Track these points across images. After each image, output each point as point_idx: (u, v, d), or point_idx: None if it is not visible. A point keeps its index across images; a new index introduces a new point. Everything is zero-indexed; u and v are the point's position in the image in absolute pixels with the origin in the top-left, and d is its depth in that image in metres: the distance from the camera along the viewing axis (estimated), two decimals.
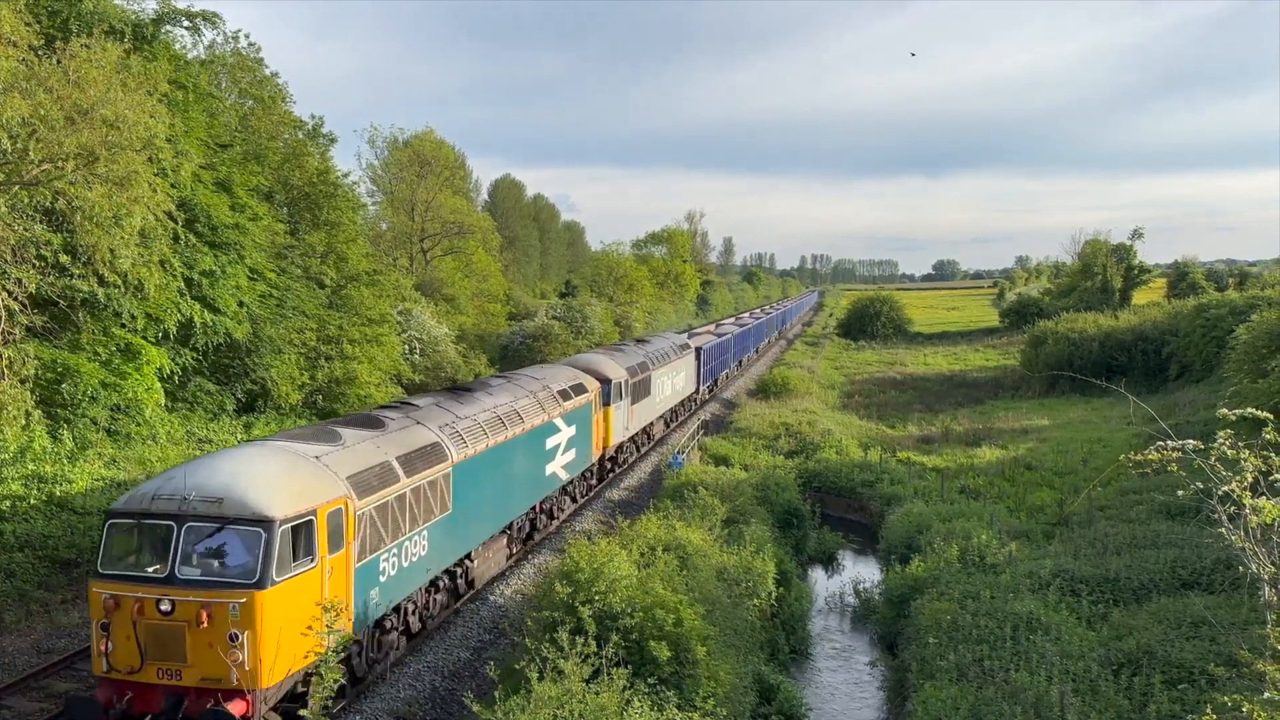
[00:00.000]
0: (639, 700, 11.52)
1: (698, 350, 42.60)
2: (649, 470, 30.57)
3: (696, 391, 43.06)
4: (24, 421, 20.45)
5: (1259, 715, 8.75)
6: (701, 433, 36.18)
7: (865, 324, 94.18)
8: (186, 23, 29.23)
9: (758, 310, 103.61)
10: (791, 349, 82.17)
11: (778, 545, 22.57)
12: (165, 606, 10.72)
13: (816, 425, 38.75)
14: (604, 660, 11.74)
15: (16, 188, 19.24)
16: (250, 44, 36.57)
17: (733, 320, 75.88)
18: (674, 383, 36.56)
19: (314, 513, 11.59)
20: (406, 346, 41.14)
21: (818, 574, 25.52)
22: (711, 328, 63.18)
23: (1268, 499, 10.22)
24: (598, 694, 11.14)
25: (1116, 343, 52.65)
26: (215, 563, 10.92)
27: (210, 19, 29.59)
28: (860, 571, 25.01)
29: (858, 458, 33.59)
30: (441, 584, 16.54)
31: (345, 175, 39.05)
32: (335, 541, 12.04)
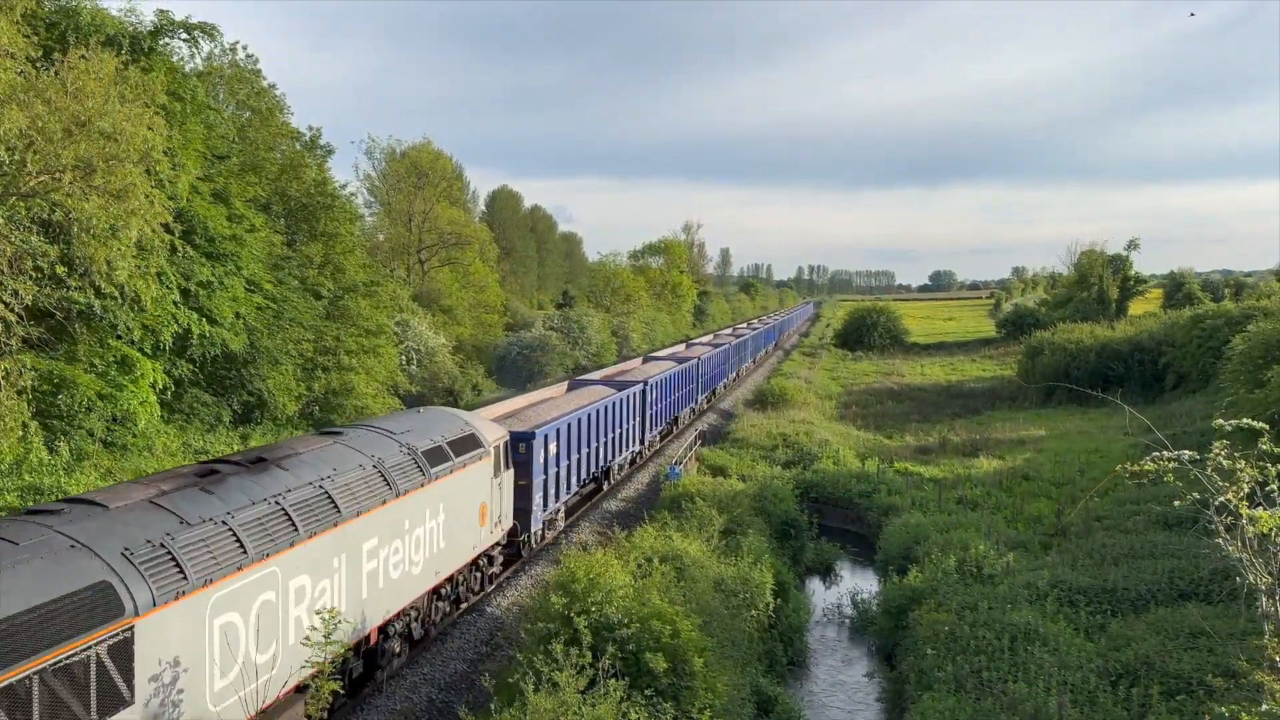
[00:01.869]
0: (635, 712, 11.49)
1: (511, 447, 19.37)
2: (646, 481, 30.53)
3: (522, 533, 20.65)
4: (20, 433, 20.41)
5: None
6: (699, 443, 36.15)
7: (862, 334, 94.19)
8: (184, 35, 29.28)
9: (725, 331, 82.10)
10: (789, 359, 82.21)
11: (775, 556, 22.55)
12: None
13: (814, 435, 38.74)
14: (600, 672, 11.72)
15: (14, 199, 19.24)
16: (248, 55, 36.71)
17: (674, 351, 52.23)
18: (394, 557, 13.64)
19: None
20: (404, 357, 41.14)
21: (815, 585, 25.48)
22: (623, 367, 40.64)
23: (1264, 509, 10.23)
24: (594, 706, 11.11)
25: (1113, 353, 52.71)
26: None
27: (208, 31, 29.64)
28: (858, 582, 24.98)
29: (855, 468, 33.58)
30: None
31: (343, 186, 39.14)
32: None
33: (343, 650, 11.01)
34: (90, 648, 8.09)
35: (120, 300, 21.77)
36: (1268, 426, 10.82)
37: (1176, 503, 12.54)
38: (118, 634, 8.40)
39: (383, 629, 13.94)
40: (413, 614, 15.13)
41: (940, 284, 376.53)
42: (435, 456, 15.27)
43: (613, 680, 11.76)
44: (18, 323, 20.30)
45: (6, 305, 19.88)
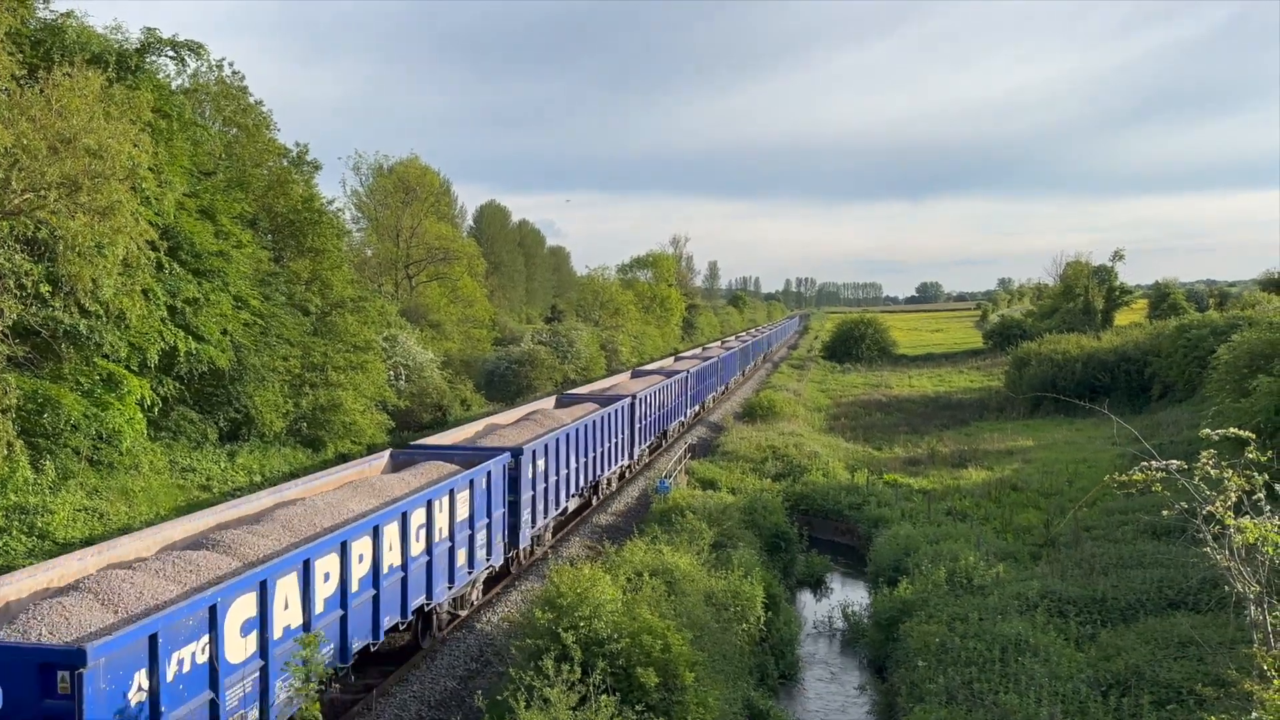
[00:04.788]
0: None
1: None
2: (636, 495, 30.49)
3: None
4: (5, 452, 20.26)
5: None
6: (689, 456, 36.14)
7: (850, 346, 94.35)
8: (171, 52, 29.28)
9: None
10: (777, 372, 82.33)
11: (766, 569, 22.51)
12: None
13: (803, 448, 38.76)
14: (590, 688, 11.67)
15: None
16: (234, 72, 36.70)
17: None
18: None
19: None
20: (392, 373, 41.03)
21: (806, 597, 25.46)
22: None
23: (1251, 518, 10.27)
24: None
25: (1099, 363, 52.96)
26: None
27: (194, 48, 29.65)
28: (848, 594, 24.97)
29: (844, 480, 33.59)
30: None
31: (330, 202, 39.10)
32: None
33: (324, 672, 10.91)
34: None
35: (106, 318, 21.67)
36: (1254, 436, 10.87)
37: (1165, 512, 12.57)
38: None
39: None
40: None
41: (927, 295, 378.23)
42: None
43: (604, 696, 11.71)
44: (2, 341, 20.20)
45: None
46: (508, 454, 19.63)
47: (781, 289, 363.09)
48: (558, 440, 22.74)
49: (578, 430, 24.54)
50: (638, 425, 32.25)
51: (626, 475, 32.28)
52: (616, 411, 29.08)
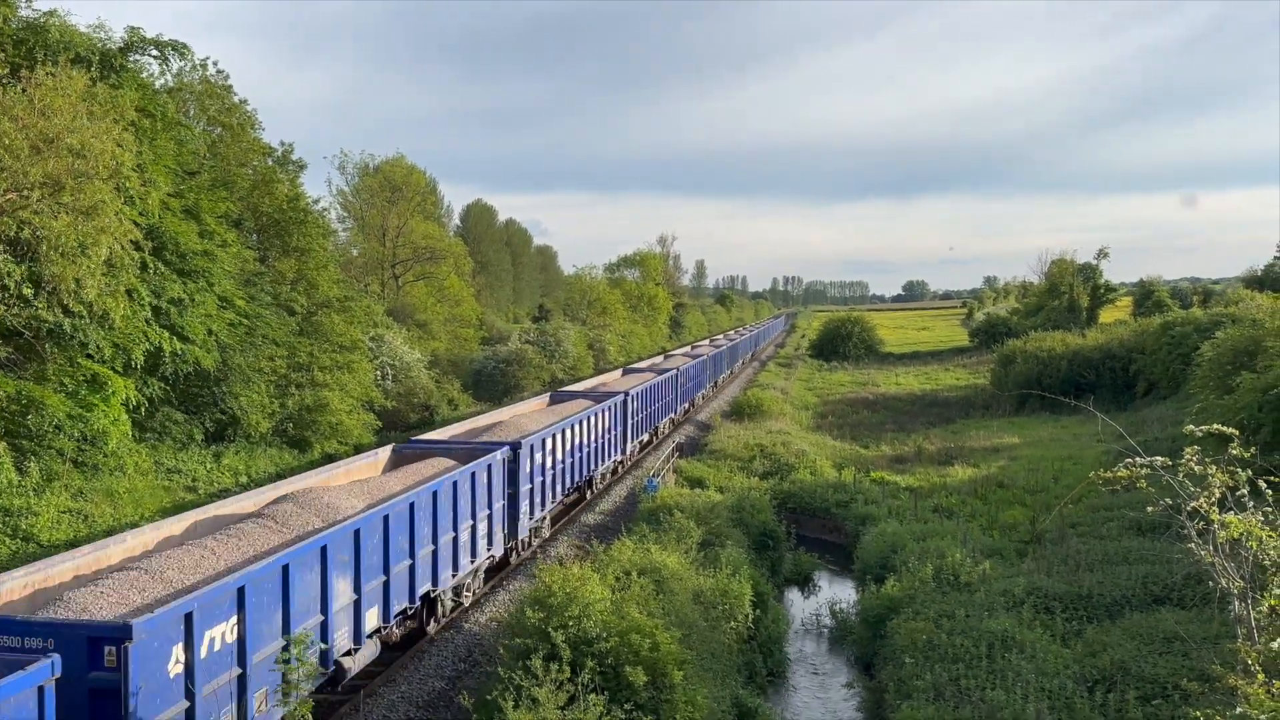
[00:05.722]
0: None
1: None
2: (624, 494, 30.48)
3: None
4: None
5: None
6: (676, 455, 36.15)
7: (837, 345, 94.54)
8: (154, 51, 29.12)
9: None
10: (765, 370, 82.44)
11: (754, 567, 22.54)
12: None
13: (790, 446, 38.83)
14: (579, 687, 11.67)
15: None
16: (219, 71, 36.50)
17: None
18: None
19: None
20: (378, 373, 40.92)
21: (794, 596, 25.52)
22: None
23: (1235, 514, 10.34)
24: None
25: (1084, 361, 53.24)
26: None
27: (178, 48, 29.48)
28: (836, 592, 25.03)
29: (832, 478, 33.67)
30: None
31: (316, 202, 38.95)
32: None
33: (314, 671, 10.88)
34: None
35: (89, 318, 21.53)
36: (1237, 432, 10.95)
37: (1149, 509, 12.66)
38: None
39: None
40: None
41: (913, 294, 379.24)
42: None
43: (592, 695, 11.72)
44: None
45: None
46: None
47: (768, 288, 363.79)
48: (318, 550, 12.40)
49: (390, 516, 14.36)
50: (530, 485, 21.49)
51: (513, 559, 21.73)
52: (489, 467, 18.83)
